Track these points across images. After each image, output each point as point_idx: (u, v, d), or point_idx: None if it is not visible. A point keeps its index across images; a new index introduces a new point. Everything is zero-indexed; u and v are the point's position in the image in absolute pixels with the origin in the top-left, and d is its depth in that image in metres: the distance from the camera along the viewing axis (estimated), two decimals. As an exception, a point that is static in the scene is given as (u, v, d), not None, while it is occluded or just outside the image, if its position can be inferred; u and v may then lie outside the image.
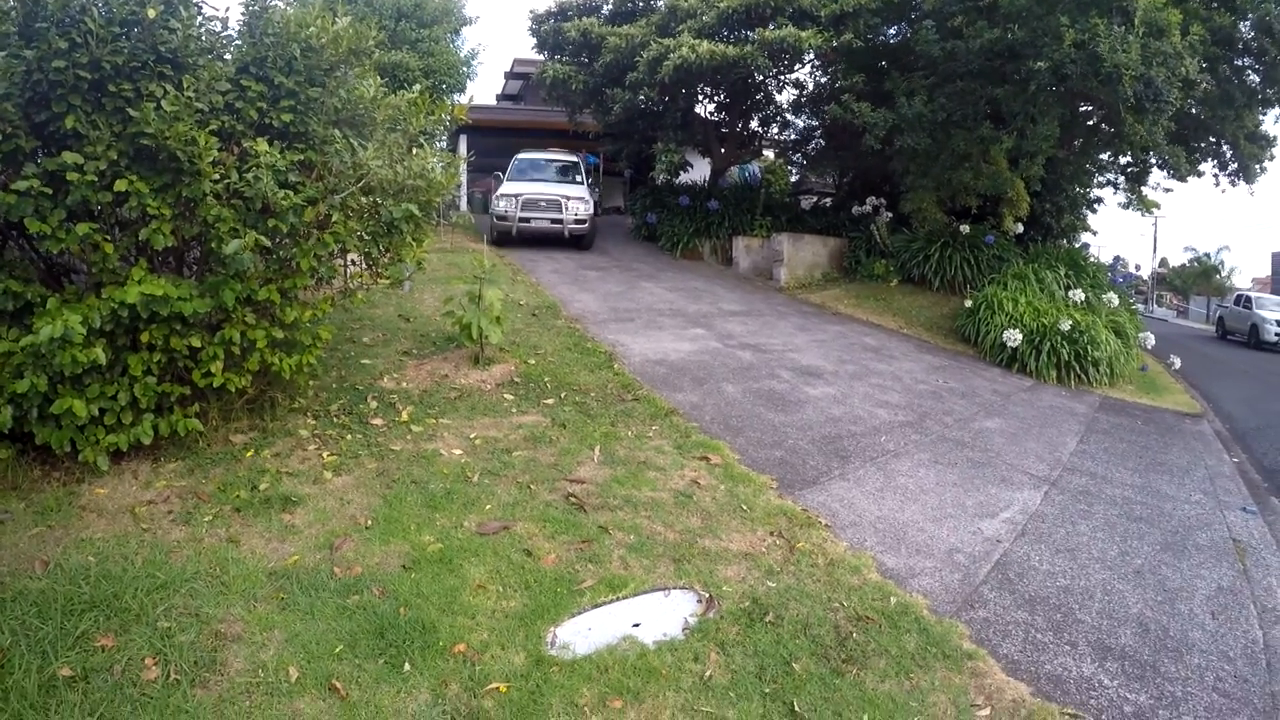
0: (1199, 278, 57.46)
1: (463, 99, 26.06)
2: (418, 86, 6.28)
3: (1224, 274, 55.78)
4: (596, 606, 3.62)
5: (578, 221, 15.85)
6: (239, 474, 4.67)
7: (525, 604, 3.54)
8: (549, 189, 16.22)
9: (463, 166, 22.05)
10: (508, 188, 16.18)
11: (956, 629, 3.87)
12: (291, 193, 4.70)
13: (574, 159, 18.20)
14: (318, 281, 5.55)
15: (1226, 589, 4.99)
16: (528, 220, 15.57)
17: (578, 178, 17.30)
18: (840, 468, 5.99)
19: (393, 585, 3.60)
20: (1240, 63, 13.35)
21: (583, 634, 3.37)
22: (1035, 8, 11.25)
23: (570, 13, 18.28)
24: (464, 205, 22.81)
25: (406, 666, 3.06)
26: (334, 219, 5.16)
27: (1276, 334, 25.30)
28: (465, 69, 28.44)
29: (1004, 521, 5.45)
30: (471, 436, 5.58)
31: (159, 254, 4.96)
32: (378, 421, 5.66)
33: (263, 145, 4.51)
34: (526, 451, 5.41)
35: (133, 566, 3.60)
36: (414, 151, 5.84)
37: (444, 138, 22.34)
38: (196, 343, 4.65)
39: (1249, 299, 28.93)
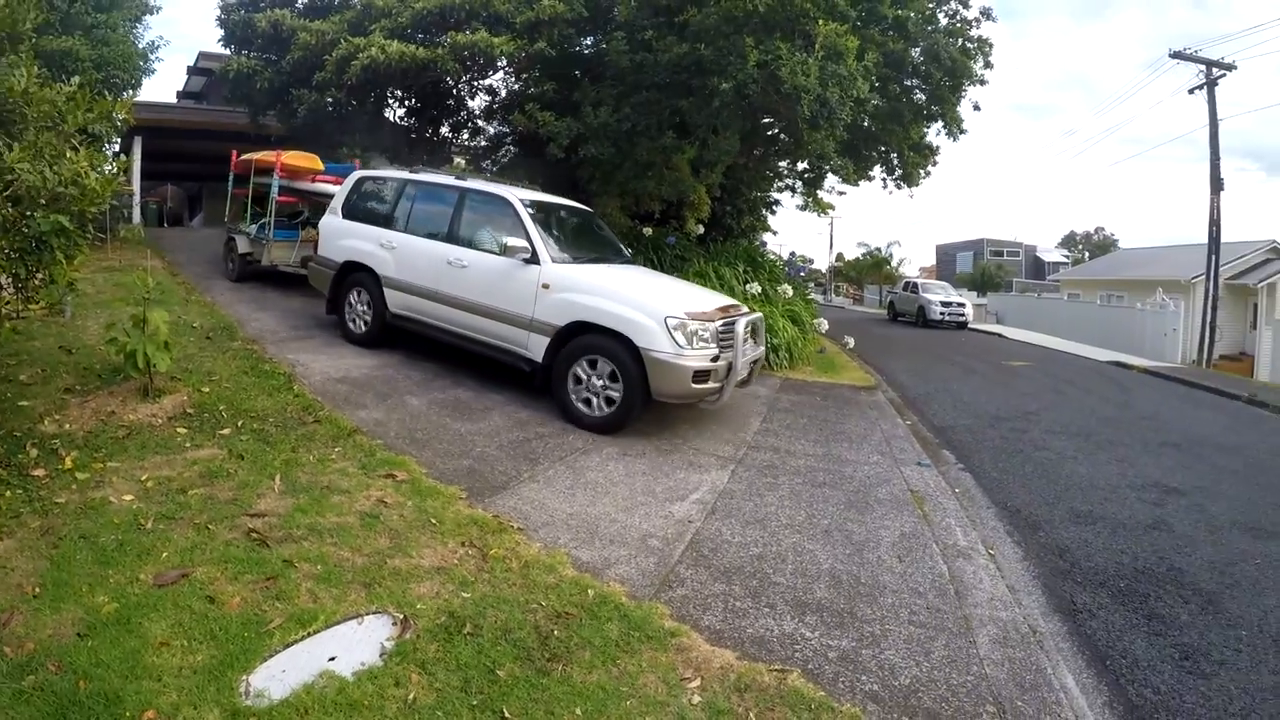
0: (872, 269, 64.27)
1: (135, 95, 23.49)
2: (77, 79, 5.60)
3: (894, 265, 62.69)
4: (288, 646, 3.48)
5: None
6: (-119, 555, 3.95)
7: (213, 655, 3.35)
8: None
9: (135, 172, 19.76)
10: (694, 305, 7.62)
11: (657, 610, 4.03)
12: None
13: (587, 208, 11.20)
14: (-43, 313, 4.85)
15: (909, 534, 5.67)
16: None
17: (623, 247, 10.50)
18: (530, 470, 6.11)
19: (69, 657, 3.25)
20: (909, 83, 15.10)
21: (277, 677, 3.25)
22: (723, 27, 11.91)
23: (263, 3, 16.99)
24: (136, 217, 20.67)
25: (92, 745, 2.80)
26: (-27, 236, 4.51)
27: (941, 313, 30.35)
28: (144, 61, 25.54)
29: (694, 502, 5.82)
30: (143, 478, 5.11)
31: None
32: (39, 472, 5.05)
33: (-111, 150, 3.86)
34: (203, 489, 5.04)
35: None
36: (68, 154, 5.20)
37: (115, 140, 20.09)
38: None
39: (916, 285, 34.81)
